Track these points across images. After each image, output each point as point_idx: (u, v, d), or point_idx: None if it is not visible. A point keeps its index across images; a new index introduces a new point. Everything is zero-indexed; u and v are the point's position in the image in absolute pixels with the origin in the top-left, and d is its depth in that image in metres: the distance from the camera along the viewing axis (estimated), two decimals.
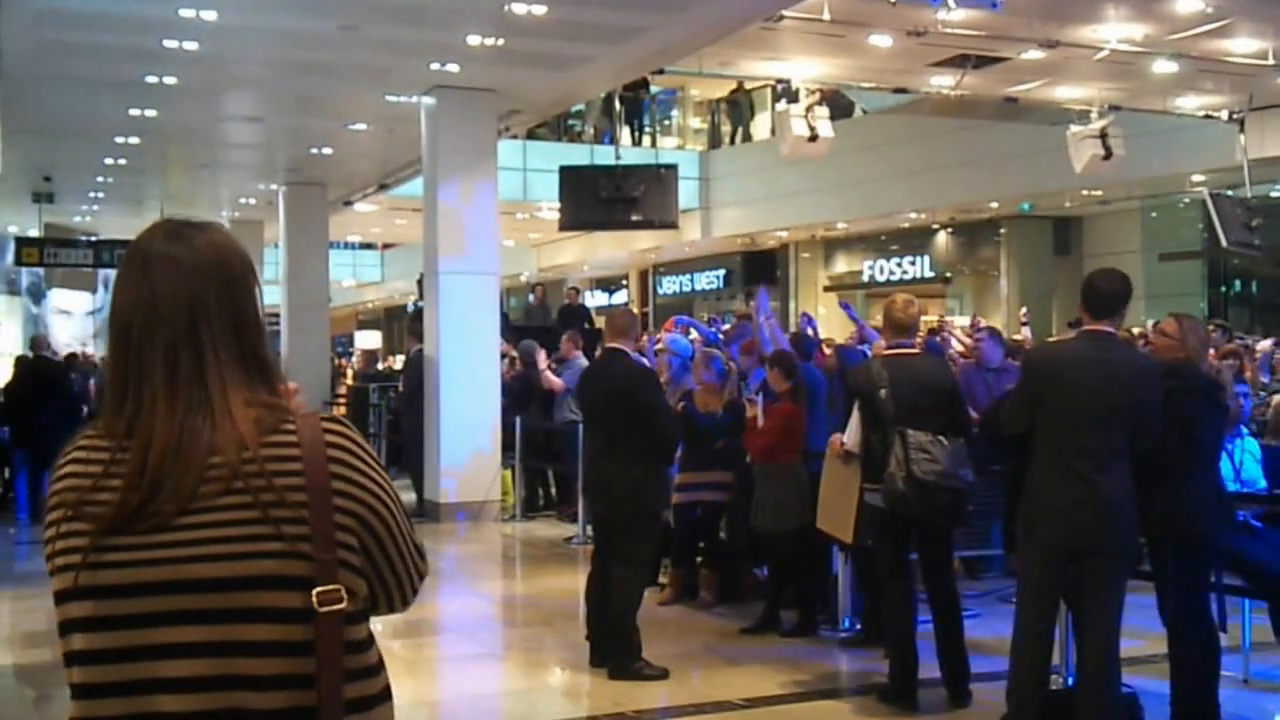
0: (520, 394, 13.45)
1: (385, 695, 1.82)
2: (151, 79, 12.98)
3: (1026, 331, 12.37)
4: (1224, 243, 15.48)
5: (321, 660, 1.68)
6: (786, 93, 14.47)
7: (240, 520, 1.69)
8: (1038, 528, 5.33)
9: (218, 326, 1.78)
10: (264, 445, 1.73)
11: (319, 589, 1.69)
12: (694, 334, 11.27)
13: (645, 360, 8.31)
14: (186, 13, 10.74)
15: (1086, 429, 5.23)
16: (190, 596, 1.67)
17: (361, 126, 15.62)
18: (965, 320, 14.13)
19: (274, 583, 1.68)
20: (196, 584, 1.67)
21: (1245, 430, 7.21)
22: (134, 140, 16.38)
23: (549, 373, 12.98)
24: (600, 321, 14.70)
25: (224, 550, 1.68)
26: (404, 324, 23.30)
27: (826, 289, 26.48)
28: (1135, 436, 5.28)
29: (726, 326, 12.79)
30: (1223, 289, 21.56)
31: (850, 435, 6.46)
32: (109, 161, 18.04)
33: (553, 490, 14.01)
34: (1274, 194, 19.96)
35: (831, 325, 18.48)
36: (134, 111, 14.56)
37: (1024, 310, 14.80)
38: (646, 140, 24.57)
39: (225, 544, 1.68)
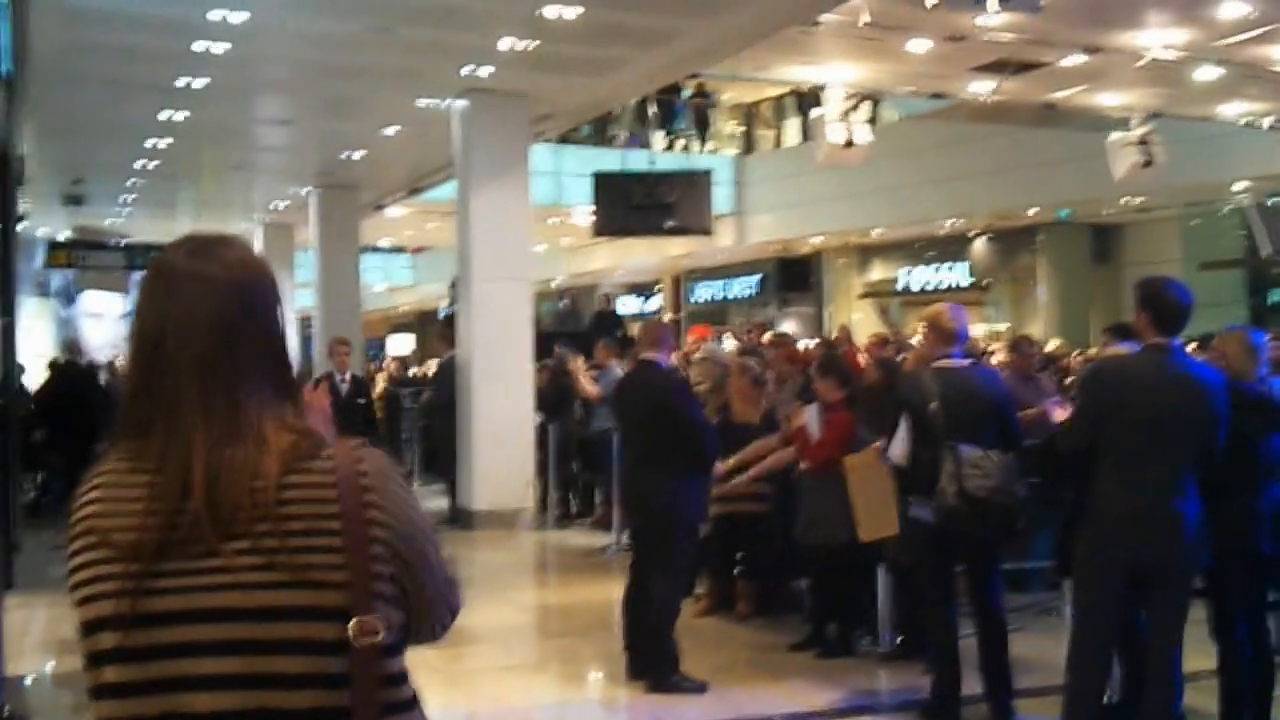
0: (555, 401, 13.34)
1: None
2: (182, 81, 12.95)
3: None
4: (1264, 252, 15.27)
5: (358, 694, 1.64)
6: (817, 98, 14.35)
7: (277, 549, 1.63)
8: (1104, 546, 5.18)
9: (250, 349, 1.73)
10: (301, 472, 1.68)
11: (355, 620, 1.63)
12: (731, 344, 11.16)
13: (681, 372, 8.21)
14: (215, 15, 10.71)
15: (1157, 445, 5.09)
16: (223, 626, 1.61)
17: (393, 130, 15.57)
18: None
19: (309, 614, 1.63)
20: (229, 613, 1.62)
21: None
22: (165, 142, 16.35)
23: (586, 381, 12.86)
24: (634, 328, 14.58)
25: (259, 579, 1.63)
26: (436, 328, 23.25)
27: (861, 296, 26.30)
28: (1204, 452, 5.14)
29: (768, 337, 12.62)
30: (1264, 298, 21.26)
31: (897, 448, 6.32)
32: (139, 164, 18.03)
33: (596, 498, 13.86)
34: None
35: (866, 333, 18.31)
36: (164, 114, 14.53)
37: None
38: (680, 144, 24.42)
39: (260, 572, 1.63)
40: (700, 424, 7.08)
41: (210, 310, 1.71)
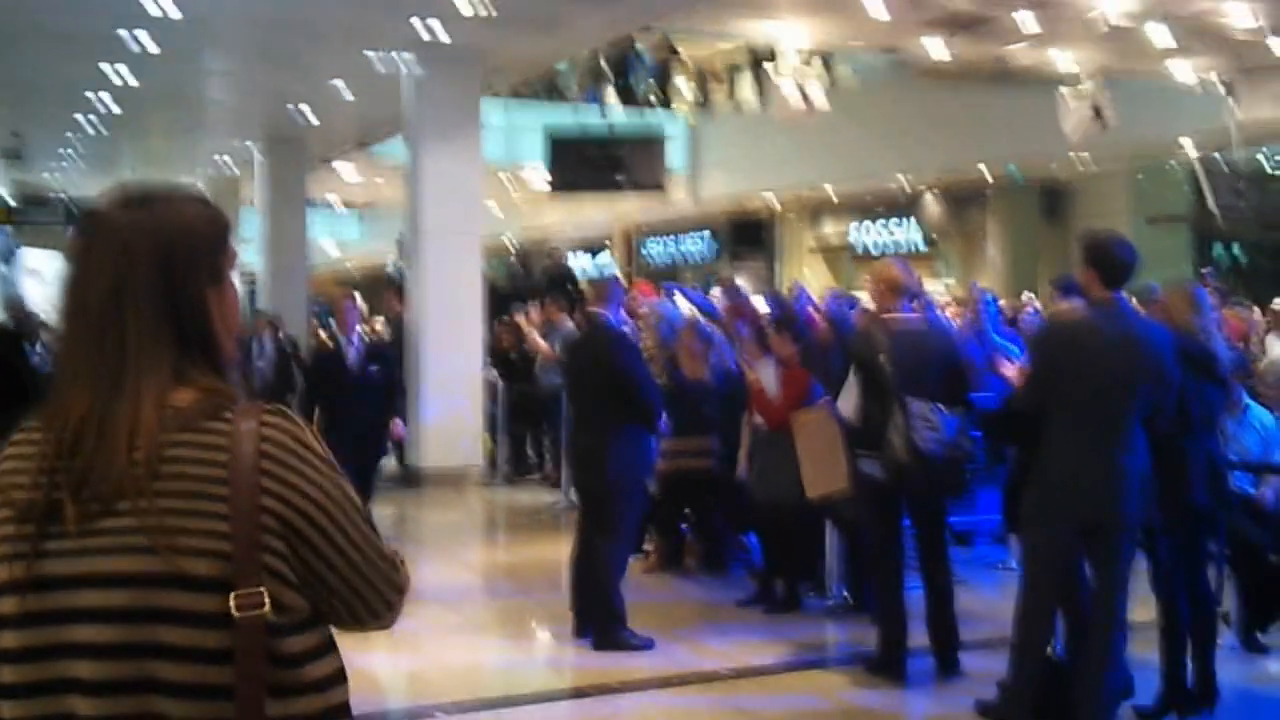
0: (522, 361, 13.25)
1: (333, 714, 1.67)
2: (123, 33, 12.69)
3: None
4: (1212, 207, 15.38)
5: (240, 670, 1.55)
6: (772, 56, 14.26)
7: (147, 511, 1.55)
8: (1052, 501, 5.20)
9: (147, 302, 1.63)
10: (196, 432, 1.60)
11: (238, 593, 1.55)
12: (684, 302, 11.08)
13: (626, 326, 8.15)
14: None
15: (1106, 401, 5.10)
16: (103, 592, 1.54)
17: (341, 84, 15.35)
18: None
19: (184, 583, 1.55)
20: (109, 579, 1.55)
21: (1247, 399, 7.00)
22: (105, 97, 16.08)
23: (535, 336, 12.81)
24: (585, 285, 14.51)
25: (134, 543, 1.55)
26: (384, 285, 23.05)
27: (813, 252, 26.32)
28: (1153, 408, 5.16)
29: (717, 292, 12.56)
30: (1209, 253, 21.44)
31: (847, 403, 6.31)
32: (80, 118, 17.74)
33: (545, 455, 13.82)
34: (1262, 159, 19.84)
35: (817, 289, 18.31)
36: (105, 67, 14.26)
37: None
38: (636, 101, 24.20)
39: (134, 536, 1.55)
40: (643, 381, 7.00)
41: (105, 261, 1.64)
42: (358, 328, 9.29)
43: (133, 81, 14.99)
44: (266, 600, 1.56)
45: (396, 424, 9.42)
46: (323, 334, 10.83)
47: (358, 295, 9.68)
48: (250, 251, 21.11)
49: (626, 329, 8.13)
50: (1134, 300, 7.97)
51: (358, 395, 8.68)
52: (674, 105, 24.81)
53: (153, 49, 13.32)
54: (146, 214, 1.67)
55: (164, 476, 1.57)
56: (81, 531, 1.56)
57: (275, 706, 1.58)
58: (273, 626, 1.58)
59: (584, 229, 29.95)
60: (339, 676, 1.69)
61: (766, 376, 7.66)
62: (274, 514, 1.60)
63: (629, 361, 6.96)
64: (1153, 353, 5.17)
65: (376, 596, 1.71)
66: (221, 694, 1.55)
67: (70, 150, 20.99)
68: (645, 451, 7.07)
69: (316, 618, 1.67)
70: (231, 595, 1.55)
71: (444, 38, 12.69)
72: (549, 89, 23.47)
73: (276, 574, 1.59)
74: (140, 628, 1.54)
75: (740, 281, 12.16)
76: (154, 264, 1.64)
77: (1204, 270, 16.97)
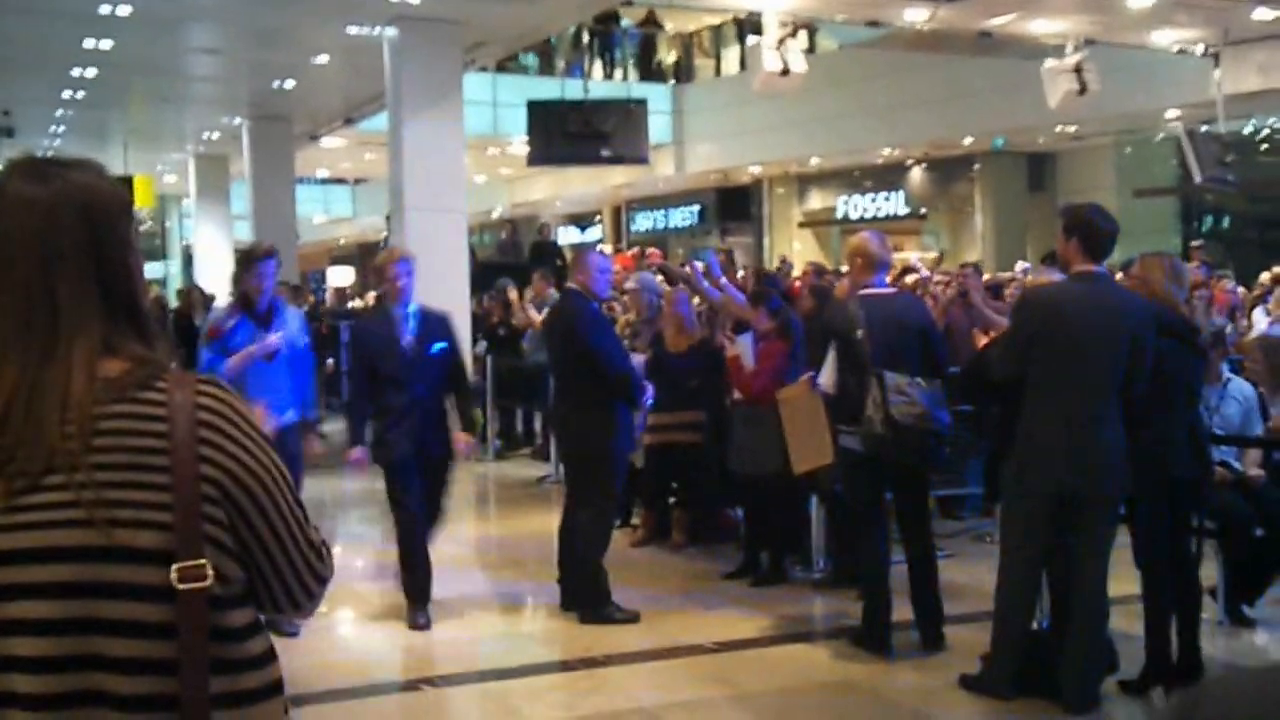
0: (511, 335, 13.26)
1: (270, 691, 1.66)
2: (105, 9, 12.63)
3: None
4: (1197, 179, 15.38)
5: (183, 644, 1.53)
6: (757, 27, 14.20)
7: (84, 484, 1.53)
8: (1031, 474, 5.24)
9: (75, 271, 1.62)
10: (129, 402, 1.58)
11: (179, 564, 1.53)
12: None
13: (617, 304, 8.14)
14: None
15: (1084, 372, 5.14)
16: (39, 568, 1.52)
17: (324, 59, 15.30)
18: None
19: (125, 555, 1.53)
20: (44, 554, 1.52)
21: (1228, 371, 7.04)
22: (91, 73, 16.01)
23: (530, 308, 12.79)
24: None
25: (71, 516, 1.53)
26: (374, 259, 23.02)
27: (801, 225, 26.32)
28: (1131, 379, 5.20)
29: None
30: (1196, 225, 21.50)
31: (825, 377, 6.34)
32: (68, 95, 17.67)
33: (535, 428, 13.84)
34: (1248, 130, 19.87)
35: (804, 261, 18.30)
36: (89, 43, 14.20)
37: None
38: (619, 74, 24.20)
39: (71, 509, 1.53)
40: (610, 354, 6.91)
41: (29, 232, 1.62)
42: (412, 297, 6.87)
43: (117, 58, 14.92)
44: (210, 572, 1.55)
45: (458, 439, 7.09)
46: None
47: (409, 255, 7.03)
48: (242, 226, 21.06)
49: (617, 306, 8.12)
50: (1119, 275, 8.06)
51: (415, 383, 6.75)
52: (658, 78, 24.78)
53: (135, 25, 13.26)
54: (62, 185, 1.65)
55: (99, 448, 1.55)
56: (11, 507, 1.53)
57: (220, 682, 1.57)
58: (215, 599, 1.57)
59: (573, 203, 29.93)
60: (273, 653, 1.68)
61: (744, 350, 7.69)
62: (214, 483, 1.58)
63: (594, 336, 6.89)
64: (1131, 324, 5.21)
65: (298, 582, 1.70)
66: (166, 669, 1.53)
67: (61, 128, 20.91)
68: (622, 422, 6.99)
69: (254, 601, 1.66)
70: (174, 567, 1.53)
71: (426, 10, 12.63)
72: (542, 64, 23.43)
73: (218, 543, 1.58)
74: (81, 603, 1.52)
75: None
76: (80, 234, 1.63)
77: (1195, 244, 17.02)
